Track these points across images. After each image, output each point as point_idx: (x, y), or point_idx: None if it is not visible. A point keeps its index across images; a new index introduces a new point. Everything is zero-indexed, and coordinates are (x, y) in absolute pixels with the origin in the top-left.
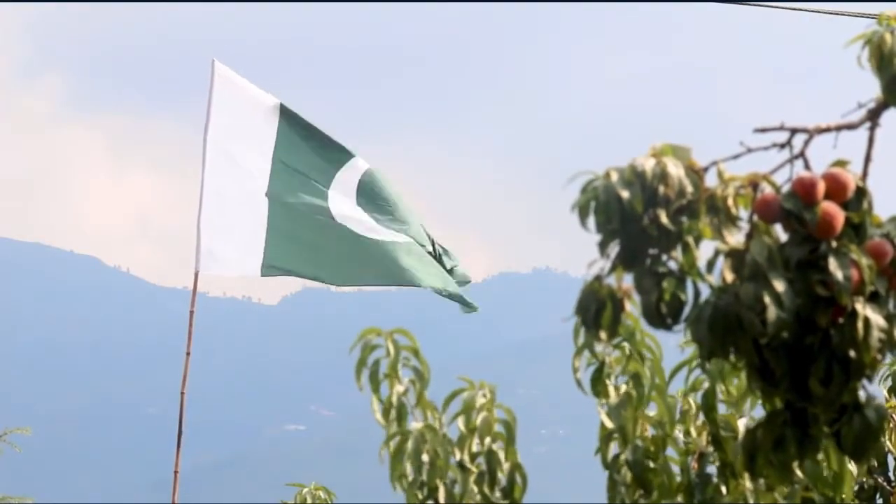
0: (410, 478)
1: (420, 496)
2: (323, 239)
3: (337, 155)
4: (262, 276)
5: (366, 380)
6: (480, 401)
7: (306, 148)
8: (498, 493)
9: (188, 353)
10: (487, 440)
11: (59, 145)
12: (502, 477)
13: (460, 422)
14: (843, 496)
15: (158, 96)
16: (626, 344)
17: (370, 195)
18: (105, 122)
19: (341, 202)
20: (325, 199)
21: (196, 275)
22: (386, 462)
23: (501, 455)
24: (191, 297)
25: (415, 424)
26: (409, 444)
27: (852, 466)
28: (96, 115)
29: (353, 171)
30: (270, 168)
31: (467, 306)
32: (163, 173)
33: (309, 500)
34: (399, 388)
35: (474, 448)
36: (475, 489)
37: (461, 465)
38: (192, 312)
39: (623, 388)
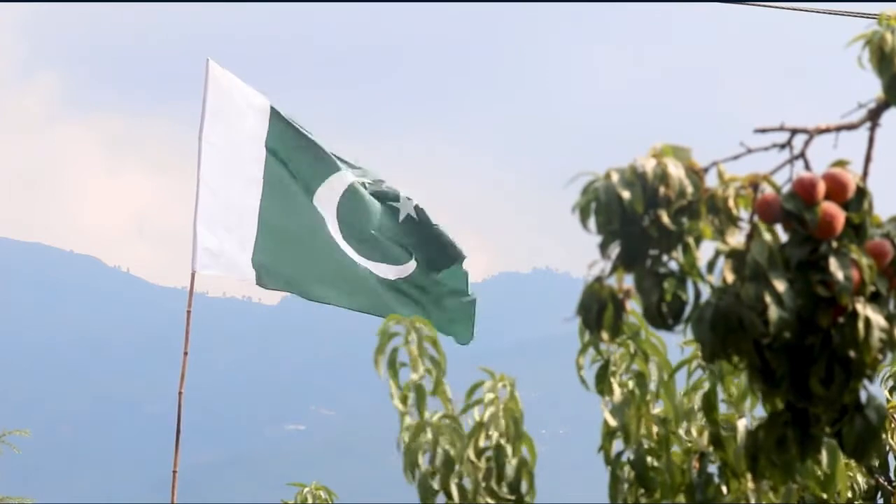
0: (423, 469)
1: (433, 489)
2: (310, 251)
3: (323, 167)
4: (257, 284)
5: (384, 368)
6: (490, 396)
7: (295, 154)
8: (505, 489)
9: (185, 353)
10: (495, 435)
11: (58, 145)
12: (510, 472)
13: (475, 413)
14: (836, 497)
15: (156, 95)
16: (630, 342)
17: (348, 220)
18: (103, 122)
19: (324, 216)
20: (311, 209)
21: (193, 275)
22: (387, 460)
23: (509, 450)
24: (188, 297)
25: (429, 415)
26: (427, 435)
27: (850, 466)
28: (94, 115)
29: (333, 189)
30: (263, 170)
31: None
32: (162, 172)
33: (310, 500)
34: (414, 377)
35: (482, 443)
36: (482, 484)
37: (469, 459)
38: (188, 312)
39: (629, 385)
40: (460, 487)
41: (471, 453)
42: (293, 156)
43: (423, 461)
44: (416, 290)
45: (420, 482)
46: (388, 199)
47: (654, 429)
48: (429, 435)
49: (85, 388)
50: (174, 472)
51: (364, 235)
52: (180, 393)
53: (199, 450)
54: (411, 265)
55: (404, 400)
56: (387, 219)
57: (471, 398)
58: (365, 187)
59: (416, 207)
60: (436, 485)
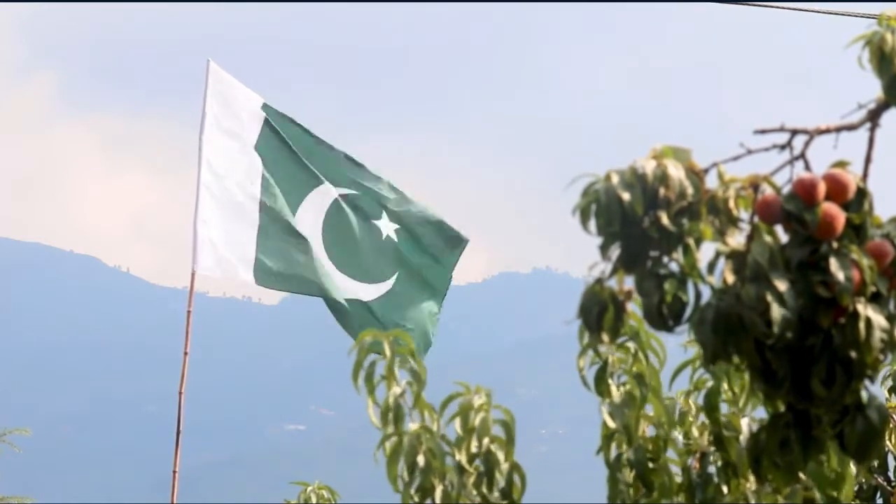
0: (406, 479)
1: (415, 498)
2: (302, 254)
3: (309, 177)
4: (257, 284)
5: (362, 382)
6: (478, 401)
7: (287, 158)
8: (497, 494)
9: (186, 353)
10: (485, 441)
11: (58, 145)
12: (501, 478)
13: (457, 424)
14: (845, 496)
15: (156, 95)
16: (630, 344)
17: (331, 234)
18: (102, 121)
19: (308, 226)
20: (295, 217)
21: (193, 275)
22: (383, 462)
23: (500, 455)
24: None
25: (411, 425)
26: (405, 446)
27: (853, 467)
28: (93, 115)
29: (319, 200)
30: (262, 170)
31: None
32: (162, 172)
33: (313, 500)
34: (396, 390)
35: (472, 449)
36: (473, 490)
37: (459, 466)
38: (189, 312)
39: (628, 386)
40: (444, 493)
41: (462, 459)
42: (284, 162)
43: (404, 472)
44: (386, 309)
45: (403, 491)
46: (369, 217)
47: (651, 431)
48: (406, 445)
49: (85, 388)
50: (174, 472)
51: (347, 250)
52: (180, 393)
53: (199, 450)
54: (388, 284)
55: (385, 415)
56: (368, 236)
57: (444, 410)
58: (349, 201)
59: (397, 231)
60: (417, 496)
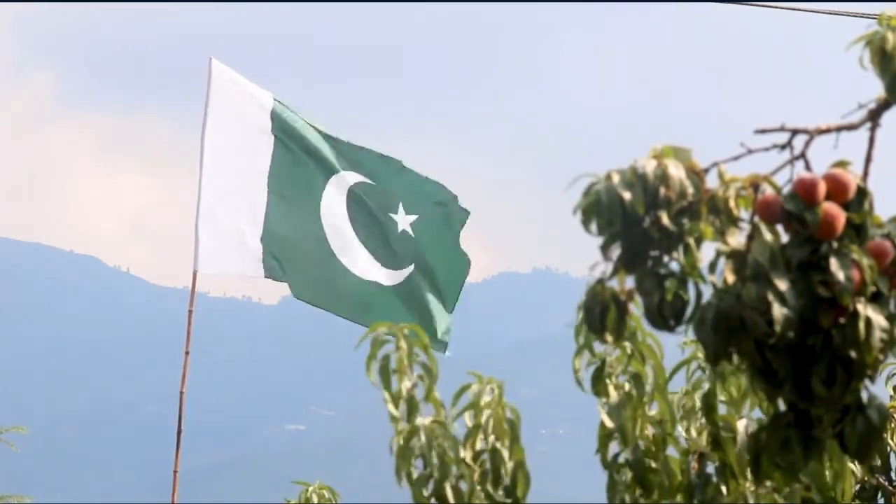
0: (417, 474)
1: (426, 493)
2: (312, 254)
3: (327, 166)
4: (265, 276)
5: (375, 374)
6: (486, 398)
7: (303, 151)
8: (501, 492)
9: (187, 353)
10: (492, 438)
11: (57, 144)
12: (505, 476)
13: (468, 417)
14: (843, 496)
15: (153, 94)
16: (627, 343)
17: (360, 214)
18: (101, 120)
19: (332, 214)
20: (318, 207)
21: (195, 274)
22: (387, 460)
23: (505, 453)
24: (189, 296)
25: (421, 420)
26: (420, 440)
27: (854, 466)
28: (92, 114)
29: (341, 185)
30: (268, 167)
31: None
32: (161, 171)
33: (314, 500)
34: (407, 384)
35: (478, 446)
36: (478, 487)
37: (464, 462)
38: (190, 312)
39: (625, 387)
40: (456, 490)
41: (467, 456)
42: (298, 153)
43: (415, 466)
44: (406, 297)
45: (414, 486)
46: (386, 209)
47: (650, 430)
48: (423, 439)
49: (85, 388)
50: (174, 472)
51: (370, 235)
52: (181, 393)
53: (199, 450)
54: (404, 273)
55: (397, 406)
56: (385, 226)
57: (457, 401)
58: (365, 191)
59: (412, 225)
60: (428, 489)
